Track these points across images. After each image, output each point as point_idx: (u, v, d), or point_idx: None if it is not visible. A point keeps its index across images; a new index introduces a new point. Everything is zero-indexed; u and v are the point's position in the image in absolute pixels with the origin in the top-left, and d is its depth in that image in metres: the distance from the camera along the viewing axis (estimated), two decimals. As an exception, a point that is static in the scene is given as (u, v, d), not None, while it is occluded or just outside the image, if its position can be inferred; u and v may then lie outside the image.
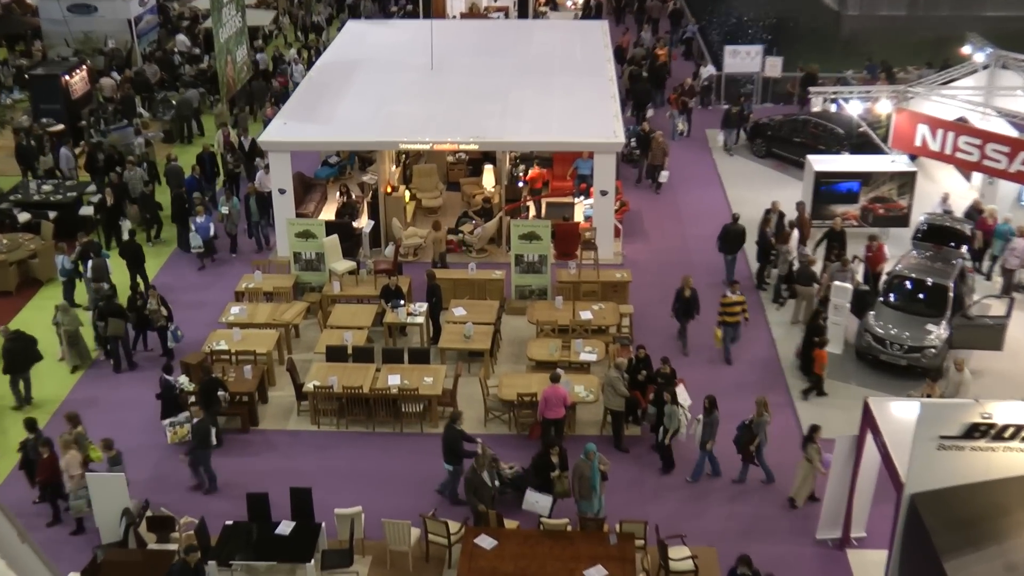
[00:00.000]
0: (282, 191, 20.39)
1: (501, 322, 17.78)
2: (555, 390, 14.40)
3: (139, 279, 19.10)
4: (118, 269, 19.30)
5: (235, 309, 17.85)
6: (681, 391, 14.78)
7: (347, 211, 21.95)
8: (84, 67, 27.04)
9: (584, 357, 16.17)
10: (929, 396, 13.99)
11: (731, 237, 20.12)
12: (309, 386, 15.48)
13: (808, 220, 19.88)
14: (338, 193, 22.48)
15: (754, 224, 20.57)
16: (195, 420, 14.13)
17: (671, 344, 17.40)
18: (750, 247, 19.99)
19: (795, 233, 19.53)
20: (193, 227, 20.13)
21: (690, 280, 17.09)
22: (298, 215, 20.81)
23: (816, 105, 24.74)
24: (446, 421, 14.06)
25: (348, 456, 15.05)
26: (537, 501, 12.88)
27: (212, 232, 20.23)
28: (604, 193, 20.14)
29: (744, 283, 19.82)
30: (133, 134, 25.22)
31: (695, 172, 24.65)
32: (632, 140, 24.13)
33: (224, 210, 20.60)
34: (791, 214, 20.19)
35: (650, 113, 27.38)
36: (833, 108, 24.18)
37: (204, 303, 19.18)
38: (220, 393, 15.10)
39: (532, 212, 22.47)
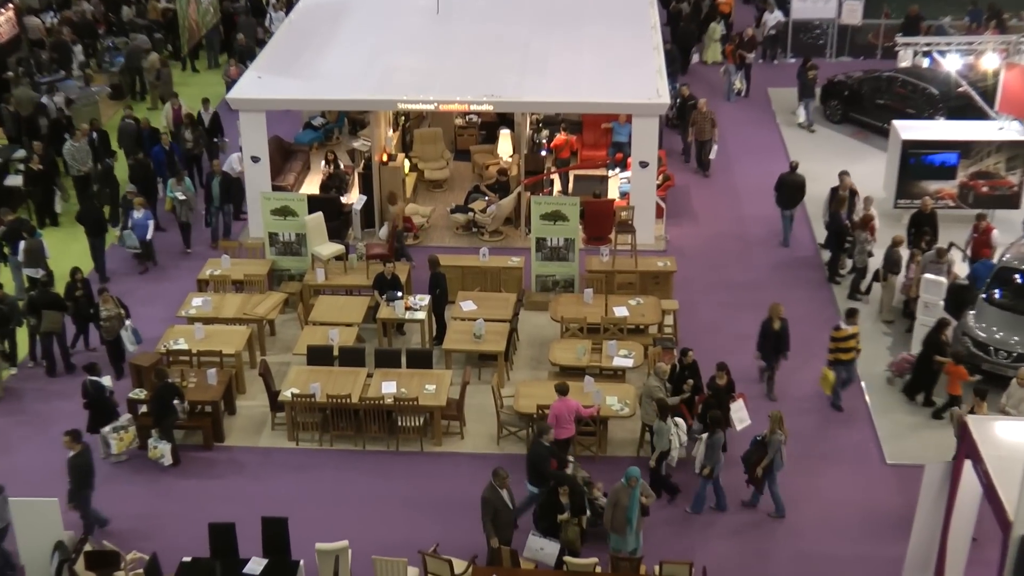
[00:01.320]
0: (255, 159, 20.41)
1: (518, 319, 17.75)
2: (565, 403, 14.42)
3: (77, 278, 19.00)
4: (57, 250, 19.40)
5: (197, 301, 17.88)
6: (738, 408, 14.73)
7: (334, 184, 21.95)
8: (11, 5, 27.04)
9: (618, 362, 16.15)
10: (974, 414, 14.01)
11: (789, 188, 20.18)
12: (286, 394, 15.49)
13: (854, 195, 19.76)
14: (323, 162, 22.50)
15: (818, 203, 20.42)
16: (71, 454, 13.45)
17: (724, 347, 17.31)
18: (809, 223, 19.94)
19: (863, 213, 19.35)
20: (129, 223, 19.64)
21: (780, 309, 16.07)
22: (275, 188, 20.82)
23: (905, 59, 24.52)
24: (530, 436, 14.05)
25: (332, 479, 15.07)
26: (542, 548, 12.84)
27: (150, 233, 19.68)
28: (644, 165, 20.11)
29: (805, 251, 19.56)
30: (77, 88, 25.29)
31: (755, 140, 24.52)
32: (671, 108, 23.70)
33: (177, 195, 20.18)
34: (867, 191, 20.09)
35: (695, 59, 27.05)
36: (926, 63, 23.94)
37: (159, 294, 19.26)
38: (177, 403, 15.11)
39: (557, 187, 22.48)
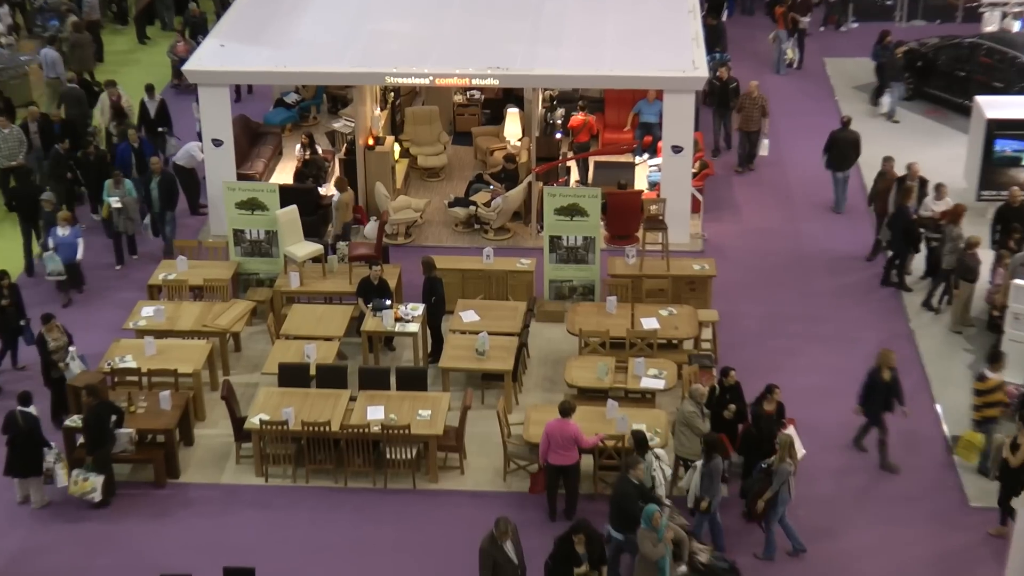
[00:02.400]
0: (217, 143, 20.43)
1: (529, 333, 17.74)
2: (562, 426, 14.46)
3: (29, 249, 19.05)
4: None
5: (148, 310, 17.88)
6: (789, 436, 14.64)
7: (311, 172, 21.97)
8: None
9: (647, 383, 16.13)
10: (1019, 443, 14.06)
11: (841, 147, 20.23)
12: (253, 421, 15.49)
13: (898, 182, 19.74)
14: (299, 146, 22.52)
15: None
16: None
17: (771, 365, 17.30)
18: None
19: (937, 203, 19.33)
20: (51, 243, 18.89)
21: (892, 357, 15.36)
22: (240, 176, 20.83)
23: (990, 23, 24.47)
24: (619, 472, 13.99)
25: (308, 522, 15.03)
26: None
27: (80, 253, 19.05)
28: (678, 150, 20.11)
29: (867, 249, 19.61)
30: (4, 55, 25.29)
31: (809, 119, 24.46)
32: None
33: (114, 202, 19.84)
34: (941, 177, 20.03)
35: (725, 15, 26.78)
36: (1016, 26, 23.85)
37: (103, 302, 19.31)
38: (120, 429, 15.10)
39: (575, 176, 22.45)
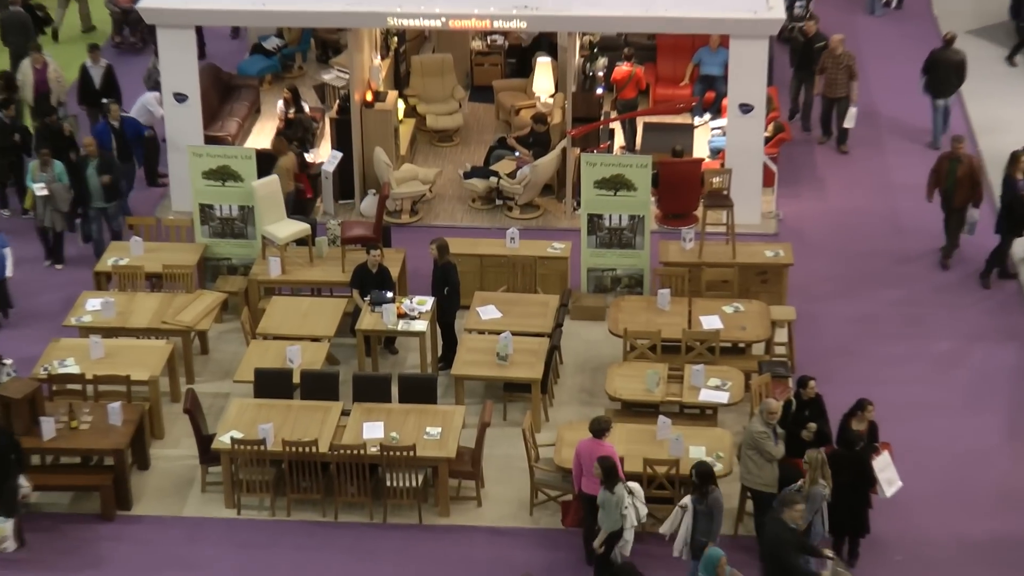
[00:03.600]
0: (180, 98, 20.45)
1: (562, 333, 17.67)
2: (595, 448, 14.37)
3: None
4: None
5: (94, 303, 17.88)
6: (884, 465, 14.62)
7: (295, 135, 21.91)
8: None
9: (707, 397, 16.08)
10: None
11: (943, 69, 20.37)
12: (224, 440, 15.46)
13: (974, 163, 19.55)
14: (280, 103, 22.50)
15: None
16: None
17: (862, 375, 17.20)
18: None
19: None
20: None
21: None
22: (209, 139, 20.82)
23: None
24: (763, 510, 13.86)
25: (290, 564, 15.00)
26: None
27: (9, 270, 18.65)
28: (747, 109, 20.09)
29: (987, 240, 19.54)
30: None
31: (910, 72, 24.21)
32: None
33: (38, 189, 19.27)
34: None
35: None
36: None
37: (40, 291, 19.35)
38: (21, 480, 14.88)
39: (620, 141, 22.36)
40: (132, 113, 21.58)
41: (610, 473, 13.93)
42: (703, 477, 13.90)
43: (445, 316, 17.67)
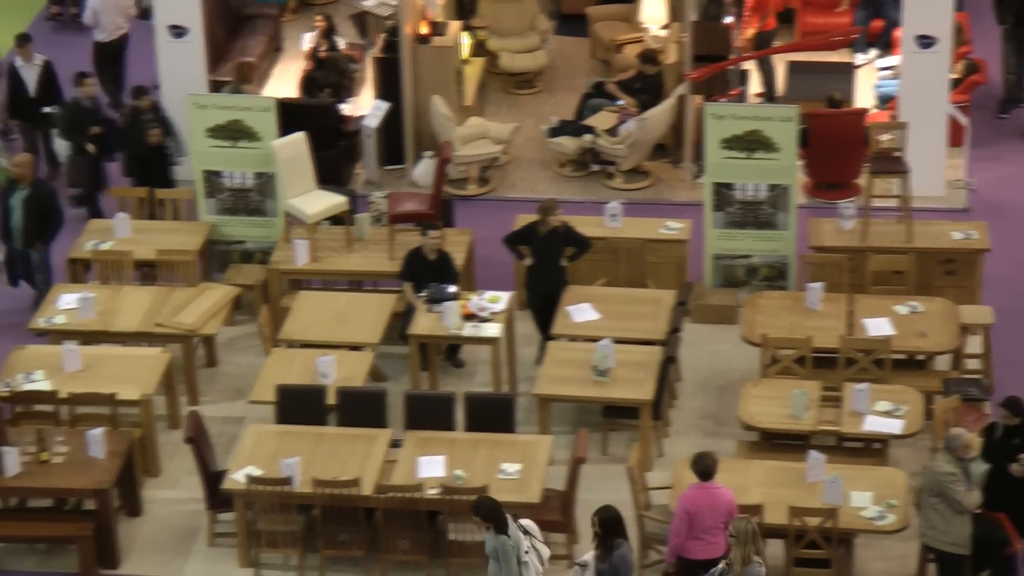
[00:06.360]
0: (178, 31, 20.69)
1: (679, 340, 17.71)
2: (710, 495, 14.40)
3: None
4: None
5: (69, 299, 18.08)
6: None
7: (329, 79, 22.07)
8: None
9: (875, 426, 16.04)
10: None
11: None
12: (238, 478, 15.59)
13: None
14: (309, 36, 22.70)
15: None
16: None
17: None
18: None
19: None
20: None
21: None
22: (216, 85, 21.08)
23: None
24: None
25: (322, 642, 15.17)
26: None
27: None
28: (927, 43, 20.07)
29: None
30: None
31: None
32: None
33: None
34: None
35: None
36: None
37: None
38: None
39: (755, 86, 22.42)
40: (87, 16, 22.24)
41: (496, 514, 13.98)
42: (607, 526, 13.84)
43: (541, 316, 17.96)
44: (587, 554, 14.10)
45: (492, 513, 13.97)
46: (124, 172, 20.77)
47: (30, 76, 21.68)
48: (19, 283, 19.56)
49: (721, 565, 13.81)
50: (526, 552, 14.01)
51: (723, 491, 14.44)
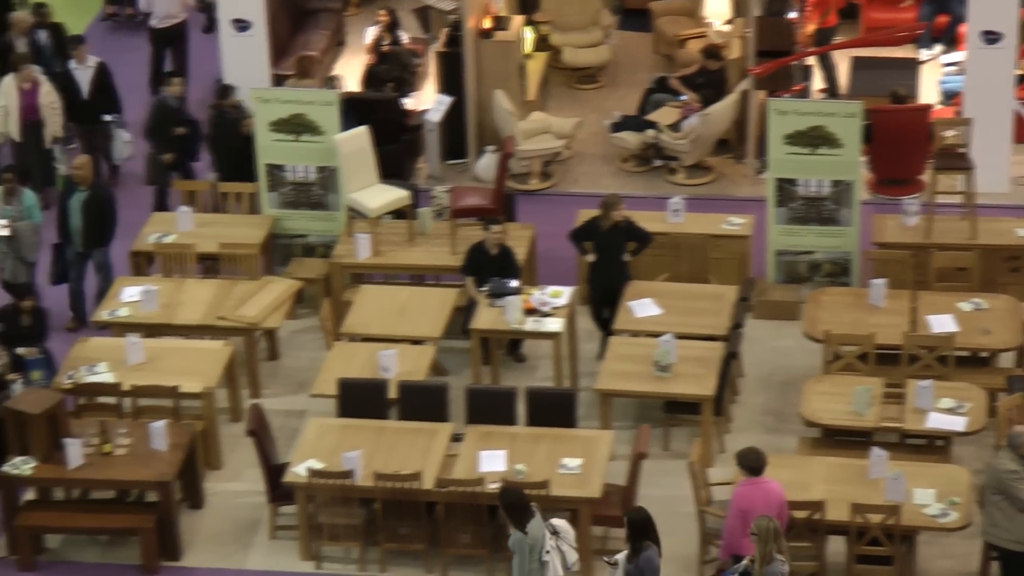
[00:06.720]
0: (242, 25, 20.81)
1: (741, 336, 17.69)
2: (762, 490, 14.35)
3: None
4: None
5: (132, 291, 18.19)
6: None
7: (392, 73, 22.11)
8: None
9: (938, 423, 15.97)
10: None
11: None
12: (299, 471, 15.63)
13: None
14: (372, 31, 22.77)
15: None
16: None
17: None
18: None
19: None
20: None
21: None
22: (277, 79, 21.17)
23: None
24: None
25: (383, 635, 15.21)
26: None
27: None
28: (992, 38, 19.93)
29: None
30: None
31: None
32: None
33: (0, 227, 18.73)
34: None
35: None
36: None
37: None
38: None
39: (818, 82, 22.31)
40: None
41: (515, 507, 13.96)
42: (635, 528, 13.81)
43: (598, 310, 17.97)
44: (620, 553, 14.06)
45: (509, 504, 14.03)
46: (213, 169, 20.79)
47: (83, 78, 21.63)
48: (62, 284, 19.44)
49: (745, 562, 13.79)
50: (547, 552, 13.96)
51: (774, 485, 14.40)
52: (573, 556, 14.24)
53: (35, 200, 19.15)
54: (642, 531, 13.86)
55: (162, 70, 23.06)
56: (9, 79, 21.17)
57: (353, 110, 19.98)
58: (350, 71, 22.89)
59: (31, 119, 21.04)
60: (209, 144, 20.69)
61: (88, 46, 21.90)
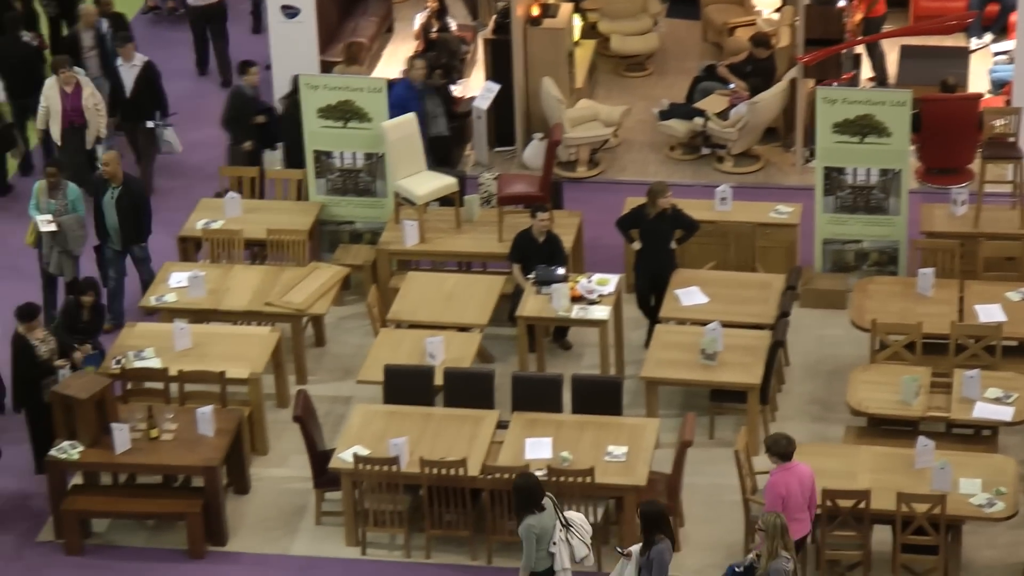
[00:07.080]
0: (290, 11, 20.91)
1: (788, 324, 17.63)
2: (797, 476, 14.36)
3: None
4: None
5: (179, 277, 18.28)
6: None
7: (439, 61, 22.11)
8: None
9: (985, 413, 15.92)
10: None
11: None
12: (345, 457, 15.67)
13: None
14: (420, 17, 22.77)
15: None
16: None
17: None
18: None
19: None
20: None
21: None
22: (327, 65, 21.22)
23: None
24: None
25: (428, 622, 15.24)
26: None
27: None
28: (1043, 26, 19.84)
29: None
30: None
31: None
32: None
33: (44, 223, 18.52)
34: None
35: None
36: None
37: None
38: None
39: (867, 71, 22.28)
40: None
41: (524, 493, 13.95)
42: (648, 521, 13.77)
43: (644, 299, 17.98)
44: (635, 545, 14.04)
45: (519, 488, 14.06)
46: (286, 164, 20.77)
47: (128, 76, 21.50)
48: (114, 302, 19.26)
49: (751, 556, 13.80)
50: (554, 544, 13.99)
51: (803, 467, 14.44)
52: (583, 551, 14.25)
53: (79, 193, 18.99)
54: (655, 524, 13.85)
55: (206, 51, 23.34)
56: (51, 81, 20.98)
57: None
58: (398, 58, 22.86)
59: (75, 122, 20.88)
60: (282, 134, 20.72)
61: (135, 44, 21.76)
